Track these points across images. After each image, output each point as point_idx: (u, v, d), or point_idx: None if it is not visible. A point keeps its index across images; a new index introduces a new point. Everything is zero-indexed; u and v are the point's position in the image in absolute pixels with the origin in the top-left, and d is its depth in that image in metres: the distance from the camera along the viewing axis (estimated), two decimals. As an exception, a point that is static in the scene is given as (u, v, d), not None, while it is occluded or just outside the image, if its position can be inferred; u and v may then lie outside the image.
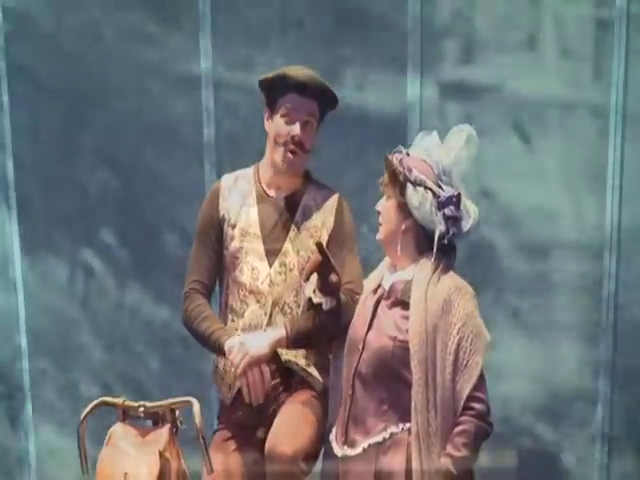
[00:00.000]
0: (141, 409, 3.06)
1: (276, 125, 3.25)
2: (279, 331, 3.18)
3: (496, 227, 4.39)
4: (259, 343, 3.14)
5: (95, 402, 3.09)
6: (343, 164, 4.45)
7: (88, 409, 3.07)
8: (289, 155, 3.24)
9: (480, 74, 4.33)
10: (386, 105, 4.39)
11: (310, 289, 3.15)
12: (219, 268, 3.36)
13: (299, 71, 3.23)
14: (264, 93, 3.29)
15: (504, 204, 4.37)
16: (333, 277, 3.09)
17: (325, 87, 3.25)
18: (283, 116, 3.23)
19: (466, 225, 3.01)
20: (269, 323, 3.25)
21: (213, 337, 3.22)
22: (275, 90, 3.25)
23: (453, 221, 2.98)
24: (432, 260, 2.99)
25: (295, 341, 3.18)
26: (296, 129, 3.23)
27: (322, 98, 3.26)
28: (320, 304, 3.14)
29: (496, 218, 4.37)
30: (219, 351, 3.21)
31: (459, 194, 3.00)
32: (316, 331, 3.17)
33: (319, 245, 3.06)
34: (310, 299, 3.16)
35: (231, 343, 3.16)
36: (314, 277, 3.11)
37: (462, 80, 4.35)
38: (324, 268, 3.07)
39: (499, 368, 4.35)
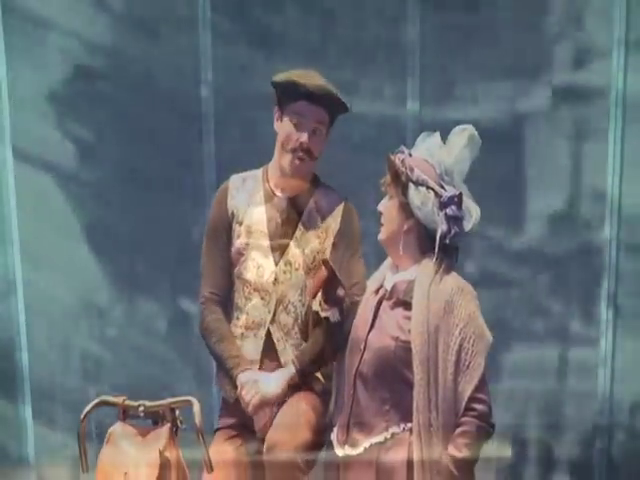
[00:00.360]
0: (141, 408, 3.04)
1: (285, 129, 3.27)
2: (289, 370, 3.21)
3: (608, 226, 4.41)
4: (272, 384, 3.18)
5: (95, 401, 3.07)
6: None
7: (88, 408, 3.05)
8: (296, 161, 3.26)
9: (592, 77, 4.33)
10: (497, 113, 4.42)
11: (316, 303, 3.16)
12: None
13: (309, 79, 3.23)
14: (275, 93, 3.30)
15: (616, 204, 4.38)
16: (340, 291, 3.12)
17: (334, 95, 3.25)
18: (292, 122, 3.25)
19: (468, 225, 3.02)
20: (272, 321, 3.26)
21: (227, 364, 3.25)
22: (285, 94, 3.25)
23: (455, 221, 2.98)
24: (434, 260, 2.99)
25: (306, 371, 3.22)
26: (304, 137, 3.24)
27: (331, 105, 3.26)
28: (327, 317, 3.15)
29: (608, 218, 4.38)
30: (231, 380, 3.24)
31: (461, 194, 3.00)
32: (323, 352, 3.19)
33: (325, 261, 3.10)
34: (316, 313, 3.17)
35: (245, 379, 3.20)
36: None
37: (574, 84, 4.35)
38: (330, 283, 3.09)
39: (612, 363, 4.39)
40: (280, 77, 3.26)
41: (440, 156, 3.05)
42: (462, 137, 3.08)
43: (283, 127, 3.27)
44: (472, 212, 3.04)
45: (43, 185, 5.04)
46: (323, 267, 3.08)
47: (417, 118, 4.63)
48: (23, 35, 4.99)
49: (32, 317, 5.07)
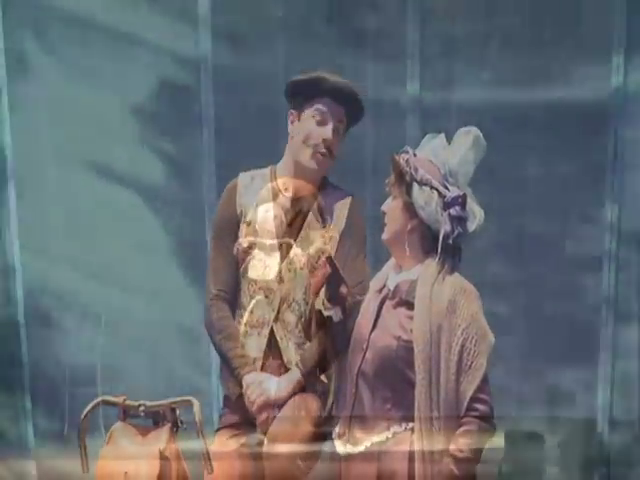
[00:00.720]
0: (141, 408, 3.06)
1: (306, 127, 3.28)
2: (294, 374, 3.22)
3: None
4: (277, 387, 3.20)
5: (96, 401, 3.09)
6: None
7: (89, 408, 3.07)
8: (318, 156, 3.28)
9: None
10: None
11: (319, 301, 3.16)
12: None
13: (335, 76, 3.27)
14: (292, 96, 3.32)
15: None
16: (343, 289, 3.11)
17: (357, 95, 3.30)
18: (315, 119, 3.27)
19: (471, 226, 3.02)
20: (276, 319, 3.27)
21: (233, 364, 3.26)
22: (307, 93, 3.28)
23: (458, 221, 2.98)
24: (437, 260, 2.99)
25: (311, 374, 3.22)
26: (328, 132, 3.27)
27: (351, 107, 3.30)
28: (330, 317, 3.14)
29: None
30: (236, 379, 3.25)
31: (465, 195, 3.00)
32: (325, 354, 3.20)
33: (329, 259, 3.10)
34: (320, 312, 3.16)
35: (250, 380, 3.21)
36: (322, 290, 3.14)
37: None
38: (333, 280, 3.09)
39: None
40: (305, 75, 3.29)
41: (445, 157, 3.05)
42: (467, 139, 3.08)
43: (303, 125, 3.29)
44: (476, 213, 3.04)
45: (129, 202, 5.02)
46: (327, 264, 3.07)
47: (417, 99, 4.65)
48: (107, 50, 5.00)
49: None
